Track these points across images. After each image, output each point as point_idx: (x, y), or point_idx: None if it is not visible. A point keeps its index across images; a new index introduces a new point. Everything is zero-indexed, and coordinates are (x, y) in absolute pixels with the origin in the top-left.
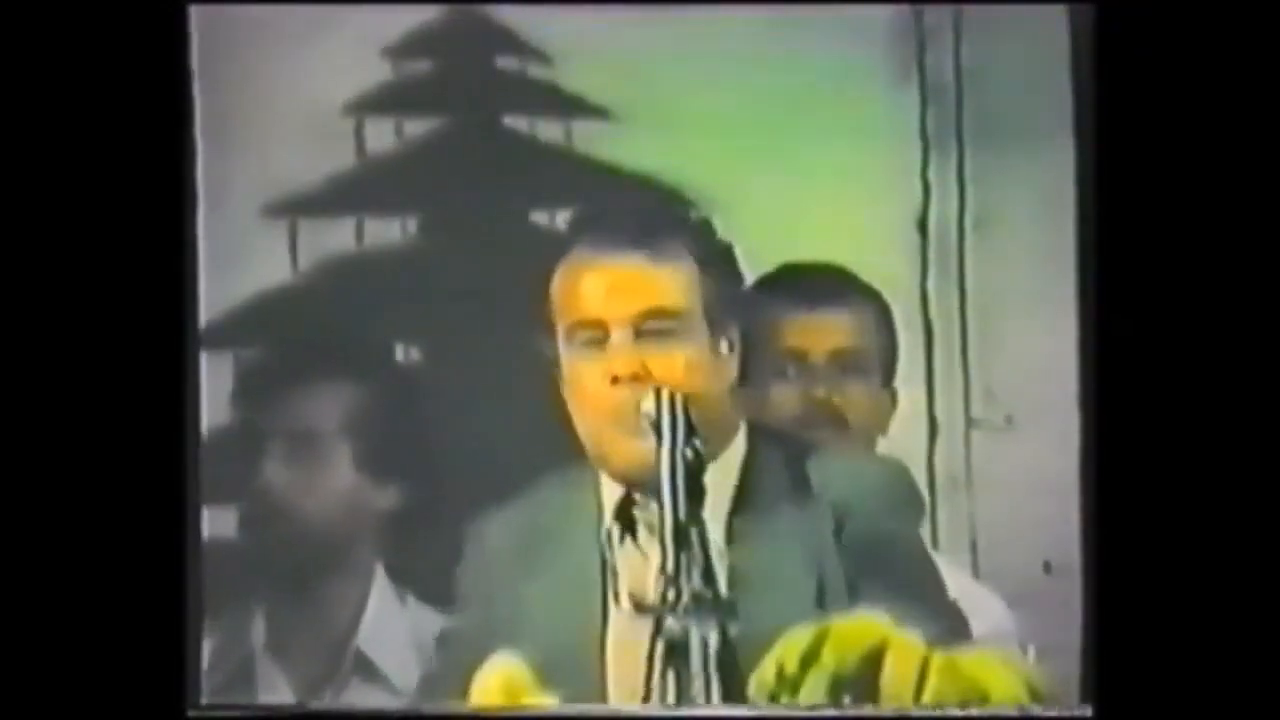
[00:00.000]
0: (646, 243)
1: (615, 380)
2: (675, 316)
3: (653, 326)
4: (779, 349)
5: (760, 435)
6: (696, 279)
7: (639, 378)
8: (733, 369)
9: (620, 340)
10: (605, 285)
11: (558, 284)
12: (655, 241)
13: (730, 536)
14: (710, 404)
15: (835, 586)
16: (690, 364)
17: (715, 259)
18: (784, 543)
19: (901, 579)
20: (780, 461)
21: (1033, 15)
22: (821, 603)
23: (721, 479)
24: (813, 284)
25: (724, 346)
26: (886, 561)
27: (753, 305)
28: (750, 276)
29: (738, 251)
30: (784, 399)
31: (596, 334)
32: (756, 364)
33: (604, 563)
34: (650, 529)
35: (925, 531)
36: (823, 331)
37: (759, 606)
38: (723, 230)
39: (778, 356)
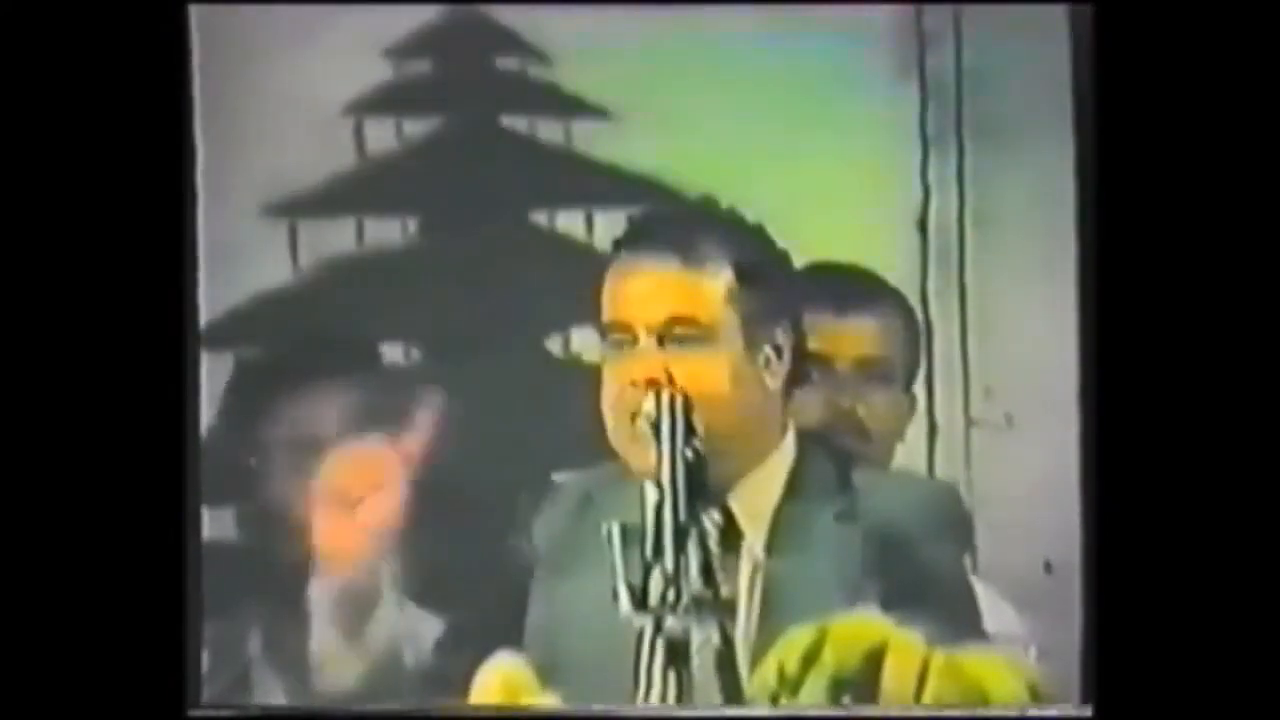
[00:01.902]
0: (686, 250)
1: (634, 384)
2: (704, 324)
3: (680, 333)
4: (803, 358)
5: (810, 444)
6: (733, 287)
7: (656, 383)
8: (777, 376)
9: (646, 345)
10: (637, 290)
11: (606, 285)
12: (695, 249)
13: (770, 544)
14: (747, 411)
15: (870, 603)
16: (719, 371)
17: (764, 266)
18: (823, 553)
19: (936, 604)
20: (829, 473)
21: (1033, 15)
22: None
23: (765, 486)
24: (840, 287)
25: (767, 353)
26: (924, 585)
27: (804, 302)
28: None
29: (793, 257)
30: (807, 405)
31: (625, 337)
32: None
33: (646, 566)
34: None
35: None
36: (849, 338)
37: (791, 615)
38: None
39: (802, 367)
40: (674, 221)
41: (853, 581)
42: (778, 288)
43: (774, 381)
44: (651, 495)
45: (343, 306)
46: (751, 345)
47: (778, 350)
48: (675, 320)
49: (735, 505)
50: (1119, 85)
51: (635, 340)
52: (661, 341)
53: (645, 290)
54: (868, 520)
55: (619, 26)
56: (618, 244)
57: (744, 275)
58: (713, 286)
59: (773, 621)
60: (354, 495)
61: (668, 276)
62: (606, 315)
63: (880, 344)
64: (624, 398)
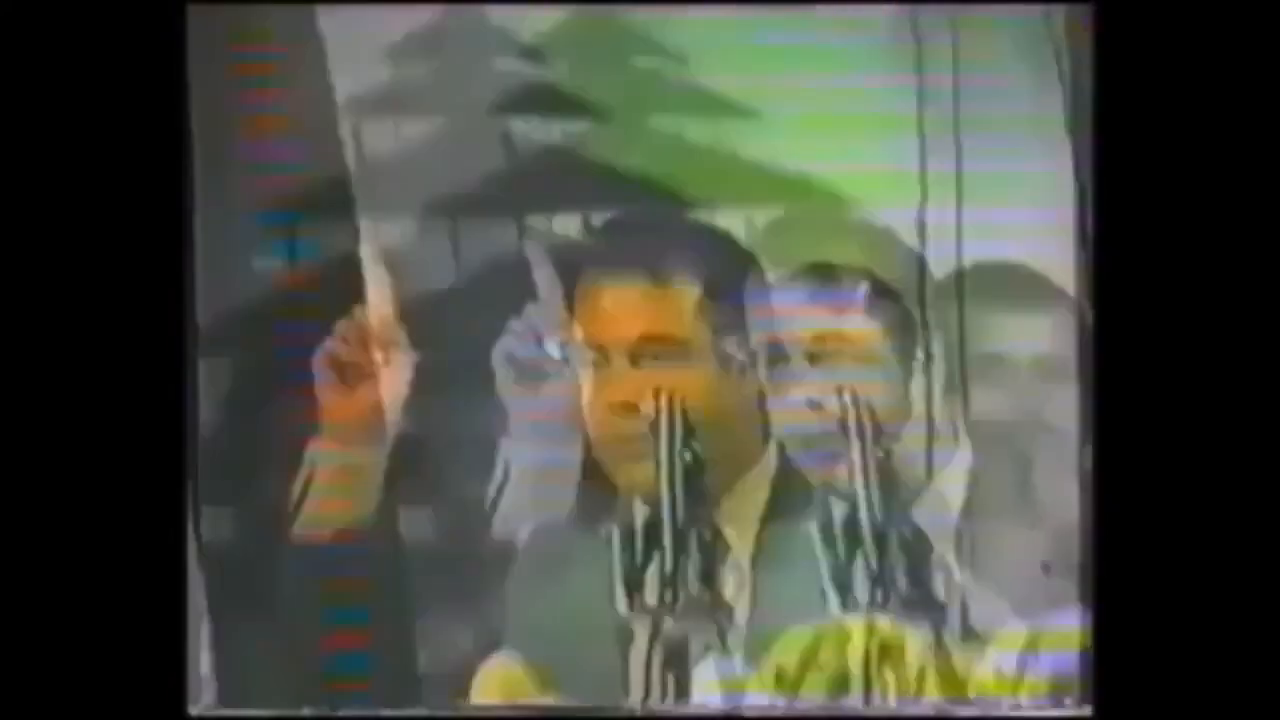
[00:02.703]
0: (652, 264)
1: (610, 408)
2: (674, 341)
3: (650, 351)
4: (800, 352)
5: (790, 452)
6: (701, 301)
7: (631, 407)
8: (754, 384)
9: (618, 365)
10: (606, 309)
11: (577, 302)
12: (662, 262)
13: (757, 555)
14: (727, 422)
15: (858, 604)
16: (696, 386)
17: (733, 272)
18: (810, 561)
19: (928, 605)
20: (810, 479)
21: (1032, 15)
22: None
23: (749, 497)
24: (836, 287)
25: (742, 362)
26: (914, 586)
27: (777, 314)
28: (771, 275)
29: (762, 260)
30: (803, 407)
31: (598, 356)
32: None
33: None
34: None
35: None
36: (846, 338)
37: (783, 623)
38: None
39: (799, 360)
40: (638, 233)
41: (840, 582)
42: (749, 293)
43: (751, 390)
44: (640, 511)
45: (342, 307)
46: (725, 356)
47: (752, 358)
48: (647, 339)
49: (721, 518)
50: (1119, 85)
51: (608, 360)
52: (635, 360)
53: (615, 309)
54: (850, 523)
55: (619, 26)
56: (583, 259)
57: (713, 287)
58: (682, 301)
59: (765, 628)
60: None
61: (636, 293)
62: (579, 334)
63: (878, 343)
64: (606, 422)
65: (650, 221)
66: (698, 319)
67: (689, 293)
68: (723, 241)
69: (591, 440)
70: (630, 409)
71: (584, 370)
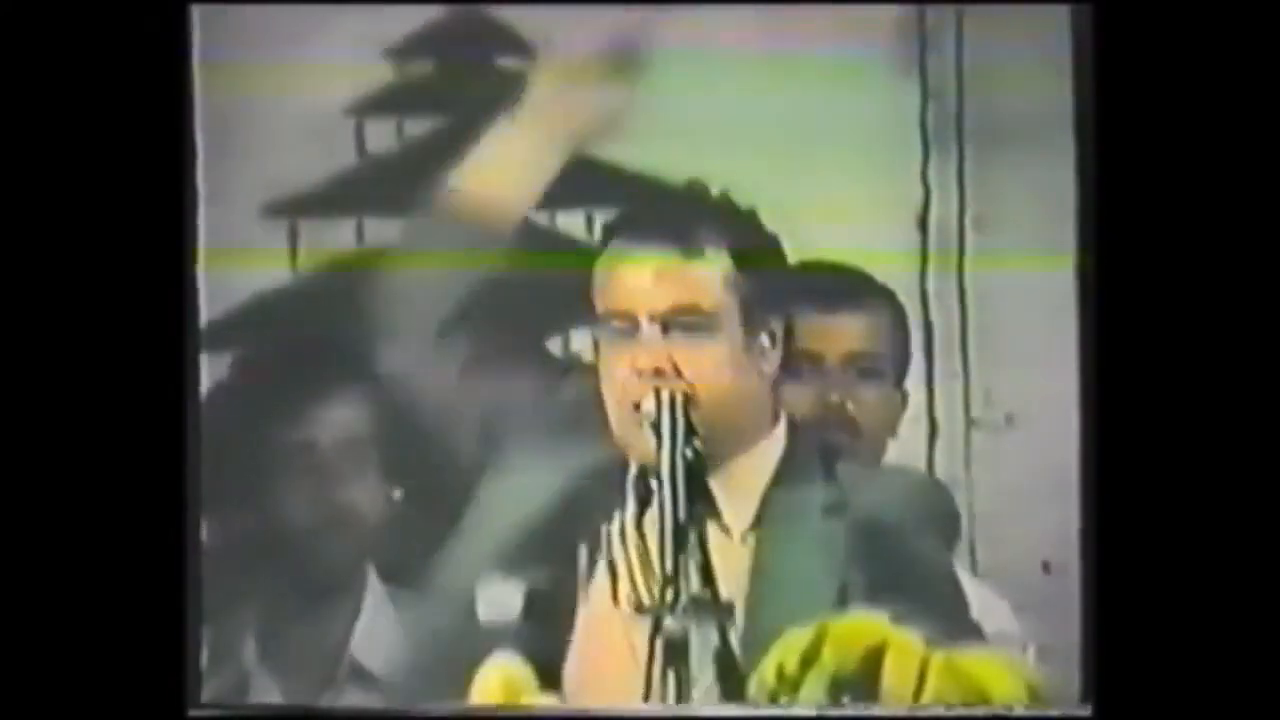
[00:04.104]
0: (683, 237)
1: (639, 373)
2: (706, 312)
3: (682, 320)
4: (794, 349)
5: (801, 436)
6: (732, 275)
7: (662, 372)
8: (774, 362)
9: (649, 332)
10: (638, 277)
11: (597, 274)
12: (692, 236)
13: (756, 529)
14: (743, 398)
15: (856, 595)
16: (720, 359)
17: (758, 252)
18: (810, 543)
19: (926, 598)
20: (817, 463)
21: (1033, 15)
22: (842, 608)
23: (754, 471)
24: (829, 284)
25: (764, 340)
26: (912, 578)
27: (795, 297)
28: None
29: (784, 243)
30: (798, 401)
31: (627, 324)
32: None
33: (611, 562)
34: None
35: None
36: (838, 335)
37: (777, 604)
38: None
39: (792, 357)
40: (667, 208)
41: (838, 572)
42: (771, 274)
43: (769, 369)
44: (634, 469)
45: (343, 306)
46: (749, 332)
47: (772, 337)
48: (679, 308)
49: (717, 487)
50: (1119, 85)
51: (637, 328)
52: (665, 329)
53: (646, 277)
54: (854, 513)
55: (619, 27)
56: (609, 232)
57: (741, 260)
58: (712, 273)
59: (761, 609)
60: None
61: (668, 264)
62: (604, 304)
63: (869, 340)
64: (627, 387)
65: (675, 201)
66: (726, 291)
67: (718, 264)
68: (745, 219)
69: (609, 408)
70: (658, 374)
71: (607, 340)
